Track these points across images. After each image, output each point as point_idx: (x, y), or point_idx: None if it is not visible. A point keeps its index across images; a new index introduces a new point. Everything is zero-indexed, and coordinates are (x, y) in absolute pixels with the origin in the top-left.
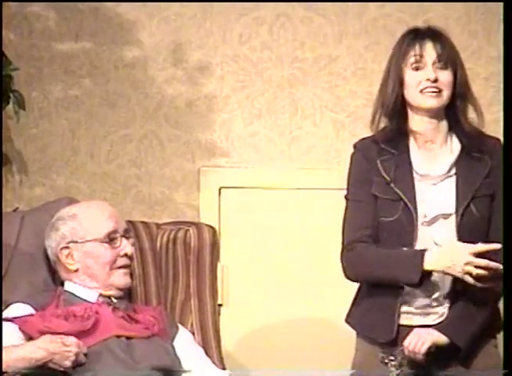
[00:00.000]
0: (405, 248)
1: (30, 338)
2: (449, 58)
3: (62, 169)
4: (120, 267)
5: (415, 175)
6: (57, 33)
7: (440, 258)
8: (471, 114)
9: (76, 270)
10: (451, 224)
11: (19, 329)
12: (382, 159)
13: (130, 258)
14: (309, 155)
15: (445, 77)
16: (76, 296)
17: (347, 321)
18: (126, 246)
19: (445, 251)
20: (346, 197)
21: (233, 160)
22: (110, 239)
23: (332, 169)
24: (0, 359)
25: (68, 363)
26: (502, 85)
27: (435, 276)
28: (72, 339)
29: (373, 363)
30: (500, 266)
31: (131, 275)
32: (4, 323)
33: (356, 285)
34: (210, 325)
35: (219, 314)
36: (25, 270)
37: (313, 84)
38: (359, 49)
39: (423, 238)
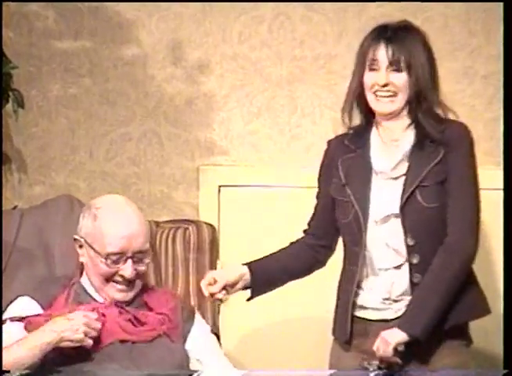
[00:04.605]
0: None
1: None
2: (403, 61)
3: (61, 167)
4: (116, 282)
5: (373, 172)
6: (56, 31)
7: None
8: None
9: (83, 263)
10: (398, 225)
11: (25, 328)
12: (344, 158)
13: (128, 279)
14: (308, 153)
15: (399, 80)
16: (86, 292)
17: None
18: (127, 269)
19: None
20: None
21: (232, 159)
22: (112, 258)
23: None
24: (0, 358)
25: (80, 335)
26: (501, 84)
27: (392, 275)
28: (76, 313)
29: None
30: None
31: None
32: (10, 323)
33: None
34: (210, 324)
35: (218, 313)
36: (24, 268)
37: (312, 82)
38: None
39: (375, 238)
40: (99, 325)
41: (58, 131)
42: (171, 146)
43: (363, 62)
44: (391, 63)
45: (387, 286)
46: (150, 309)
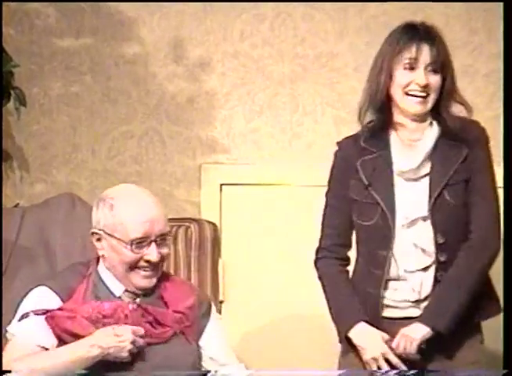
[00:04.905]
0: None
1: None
2: (442, 62)
3: (63, 166)
4: (141, 268)
5: (395, 173)
6: (58, 29)
7: (365, 337)
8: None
9: (103, 256)
10: (429, 225)
11: (46, 321)
12: (362, 160)
13: (154, 264)
14: (310, 151)
15: (435, 81)
16: (103, 283)
17: None
18: (152, 252)
19: (373, 333)
20: (326, 195)
21: (234, 157)
22: (136, 244)
23: None
24: (0, 357)
25: (125, 354)
26: (502, 82)
27: (421, 276)
28: (124, 329)
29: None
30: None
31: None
32: (34, 316)
33: None
34: None
35: (220, 312)
36: (25, 266)
37: (314, 80)
38: (360, 46)
39: (403, 240)
40: (142, 342)
41: (59, 129)
42: (173, 145)
43: (394, 60)
44: (430, 64)
45: (417, 287)
46: (166, 304)
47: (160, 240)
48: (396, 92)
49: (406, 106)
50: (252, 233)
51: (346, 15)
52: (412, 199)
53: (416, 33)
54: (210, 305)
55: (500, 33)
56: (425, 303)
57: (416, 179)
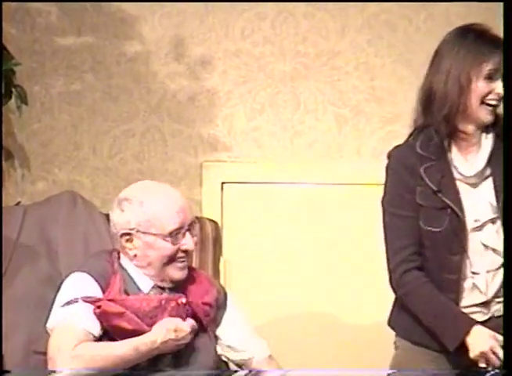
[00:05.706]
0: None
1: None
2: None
3: (64, 164)
4: (177, 260)
5: (457, 179)
6: (59, 28)
7: (479, 336)
8: None
9: (134, 255)
10: (498, 226)
11: (94, 312)
12: (425, 167)
13: (188, 253)
14: (312, 150)
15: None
16: (132, 280)
17: (390, 326)
18: (188, 241)
19: (487, 332)
20: (383, 204)
21: (235, 155)
22: (174, 235)
23: (334, 164)
24: (0, 356)
25: (179, 348)
26: (502, 80)
27: (488, 278)
28: (185, 332)
29: (414, 359)
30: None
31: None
32: (83, 303)
33: (364, 283)
34: None
35: None
36: (27, 264)
37: (315, 78)
38: (362, 44)
39: (473, 243)
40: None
41: (61, 127)
42: (174, 143)
43: (474, 70)
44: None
45: (483, 288)
46: (186, 296)
47: (191, 228)
48: (473, 102)
49: (481, 115)
50: (253, 232)
51: (347, 13)
52: (477, 202)
53: (496, 42)
54: (226, 295)
55: (500, 33)
56: (492, 305)
57: (477, 183)
